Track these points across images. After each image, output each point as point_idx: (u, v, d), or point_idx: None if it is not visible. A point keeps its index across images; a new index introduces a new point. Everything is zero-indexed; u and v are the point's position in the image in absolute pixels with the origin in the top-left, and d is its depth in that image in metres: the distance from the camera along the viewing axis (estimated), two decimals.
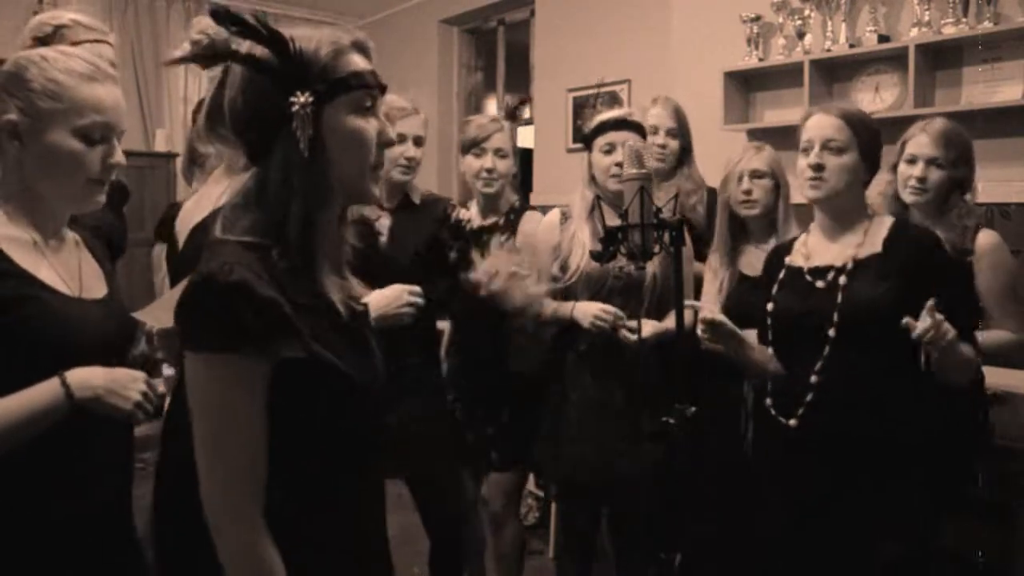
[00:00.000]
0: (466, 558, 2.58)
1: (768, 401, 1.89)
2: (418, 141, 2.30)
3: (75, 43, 1.64)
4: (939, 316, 1.58)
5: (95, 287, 1.40)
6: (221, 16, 1.06)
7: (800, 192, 1.91)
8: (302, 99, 1.07)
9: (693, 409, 1.70)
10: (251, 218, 1.10)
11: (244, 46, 1.10)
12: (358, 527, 1.19)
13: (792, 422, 1.82)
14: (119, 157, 1.36)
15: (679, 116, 2.73)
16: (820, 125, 1.85)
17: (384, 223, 2.22)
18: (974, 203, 2.24)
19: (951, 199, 2.18)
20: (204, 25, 1.18)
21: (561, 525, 2.64)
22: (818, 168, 1.82)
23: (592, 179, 2.35)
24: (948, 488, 1.97)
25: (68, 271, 1.35)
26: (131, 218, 2.22)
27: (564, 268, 2.31)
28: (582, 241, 2.29)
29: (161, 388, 1.36)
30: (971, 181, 2.21)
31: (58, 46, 1.37)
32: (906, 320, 1.60)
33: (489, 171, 2.48)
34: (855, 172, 1.83)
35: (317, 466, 1.11)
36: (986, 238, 2.15)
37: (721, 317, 1.87)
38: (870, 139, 1.85)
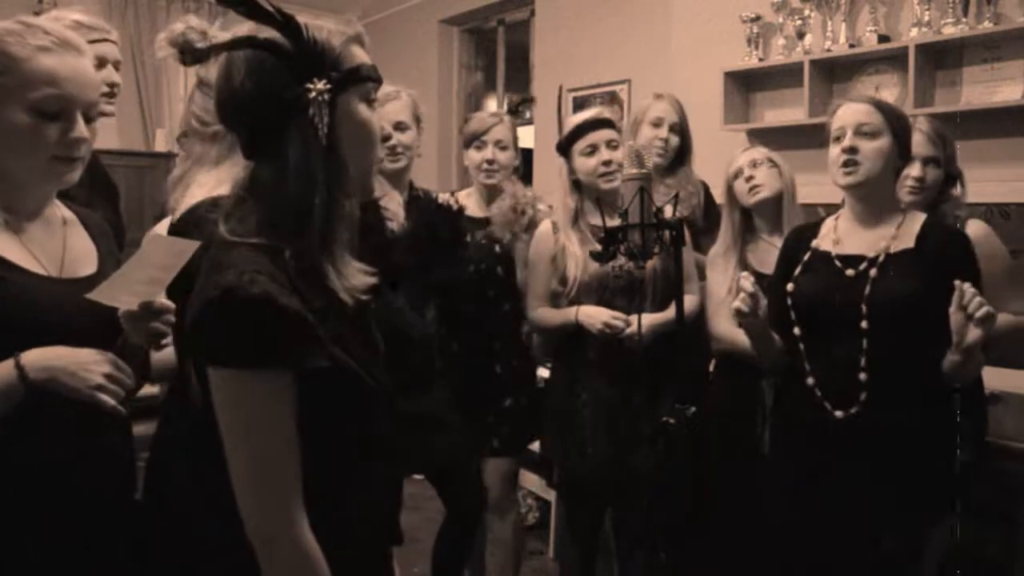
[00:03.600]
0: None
1: (818, 393, 1.85)
2: (399, 127, 2.27)
3: None
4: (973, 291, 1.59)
5: (81, 266, 1.35)
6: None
7: (819, 184, 1.89)
8: (319, 86, 1.05)
9: (693, 409, 1.70)
10: (258, 216, 1.06)
11: (254, 29, 1.06)
12: (372, 529, 1.19)
13: (838, 413, 1.80)
14: (81, 131, 1.28)
15: (681, 112, 2.74)
16: (851, 111, 1.85)
17: (392, 205, 2.21)
18: (963, 197, 2.25)
19: (943, 194, 2.20)
20: (181, 28, 1.13)
21: (565, 524, 2.64)
22: (852, 151, 1.81)
23: (574, 186, 2.35)
24: (949, 487, 1.97)
25: (46, 251, 1.31)
26: (131, 218, 2.21)
27: (563, 281, 2.32)
28: (572, 252, 2.29)
29: (154, 389, 1.32)
30: (960, 174, 2.24)
31: (22, 17, 1.30)
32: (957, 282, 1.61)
33: (490, 162, 2.51)
34: (889, 156, 1.82)
35: (336, 471, 1.10)
36: (977, 228, 2.16)
37: (760, 296, 1.83)
38: (901, 124, 1.85)
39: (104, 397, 1.22)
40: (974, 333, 1.60)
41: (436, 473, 2.40)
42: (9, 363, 1.19)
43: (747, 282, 1.80)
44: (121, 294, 1.27)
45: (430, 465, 2.34)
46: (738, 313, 1.82)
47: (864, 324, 1.77)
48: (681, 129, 2.72)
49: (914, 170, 2.16)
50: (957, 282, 1.61)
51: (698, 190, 2.72)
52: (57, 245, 1.34)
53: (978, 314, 1.58)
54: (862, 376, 1.78)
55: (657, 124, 2.69)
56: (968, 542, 2.19)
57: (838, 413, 1.81)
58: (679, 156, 2.72)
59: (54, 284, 1.29)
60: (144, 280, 1.27)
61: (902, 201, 2.15)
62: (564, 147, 2.35)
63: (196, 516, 1.15)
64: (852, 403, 1.79)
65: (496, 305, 2.49)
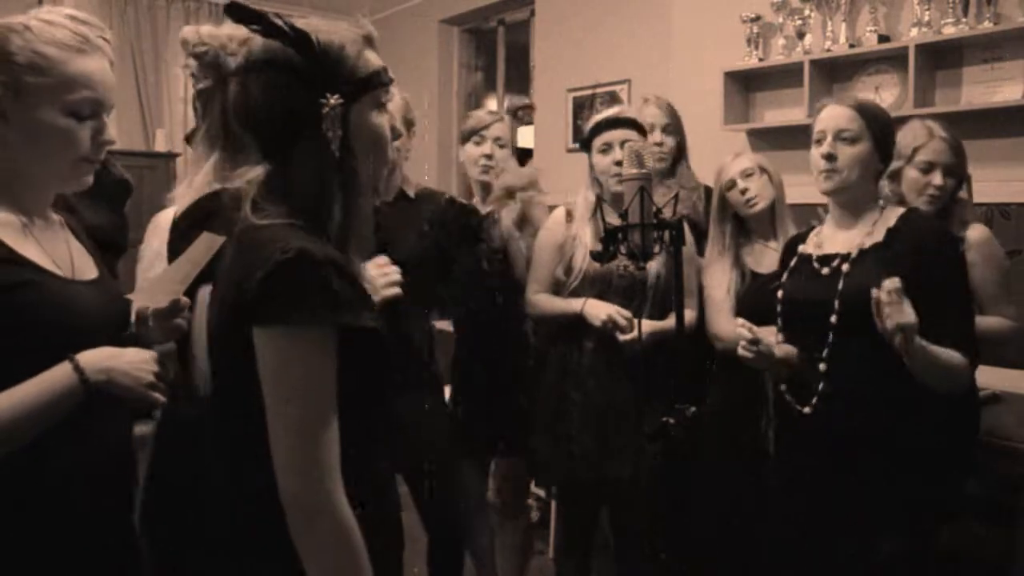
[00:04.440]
0: (473, 553, 2.57)
1: (783, 387, 1.90)
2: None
3: None
4: (898, 295, 1.56)
5: (86, 268, 1.36)
6: (240, 14, 1.05)
7: (814, 184, 1.90)
8: (332, 101, 1.07)
9: (693, 409, 1.70)
10: (285, 208, 1.09)
11: (265, 46, 1.08)
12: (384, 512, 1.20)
13: (807, 410, 1.83)
14: (110, 134, 1.29)
15: (672, 113, 2.73)
16: (833, 116, 1.86)
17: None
18: (971, 200, 2.28)
19: (954, 198, 2.23)
20: (196, 34, 1.14)
21: (561, 523, 2.64)
22: (830, 158, 1.83)
23: (595, 180, 2.36)
24: (947, 486, 1.97)
25: (58, 253, 1.31)
26: (129, 218, 2.19)
27: (568, 270, 2.32)
28: (584, 243, 2.29)
29: None
30: (969, 177, 2.26)
31: (41, 14, 1.28)
32: (873, 291, 1.59)
33: (488, 157, 2.51)
34: (867, 162, 1.84)
35: (362, 439, 1.11)
36: (977, 232, 2.19)
37: (759, 336, 1.84)
38: (883, 129, 1.86)
39: (156, 395, 1.26)
40: (896, 339, 1.58)
41: (411, 475, 2.33)
42: (67, 366, 1.19)
43: (743, 330, 1.82)
44: (158, 294, 1.32)
45: (411, 461, 2.28)
46: (745, 360, 1.85)
47: (834, 319, 1.79)
48: (674, 129, 2.72)
49: (936, 178, 2.18)
50: (873, 291, 1.59)
51: (698, 188, 2.72)
52: (64, 247, 1.34)
53: (888, 325, 1.56)
54: (821, 367, 1.80)
55: (649, 130, 2.69)
56: (968, 542, 2.19)
57: (806, 409, 1.83)
58: (677, 155, 2.72)
59: (75, 286, 1.29)
60: (179, 279, 1.31)
61: (909, 202, 2.17)
62: (586, 142, 2.37)
63: (213, 501, 1.15)
64: (812, 395, 1.81)
65: (502, 307, 2.48)
